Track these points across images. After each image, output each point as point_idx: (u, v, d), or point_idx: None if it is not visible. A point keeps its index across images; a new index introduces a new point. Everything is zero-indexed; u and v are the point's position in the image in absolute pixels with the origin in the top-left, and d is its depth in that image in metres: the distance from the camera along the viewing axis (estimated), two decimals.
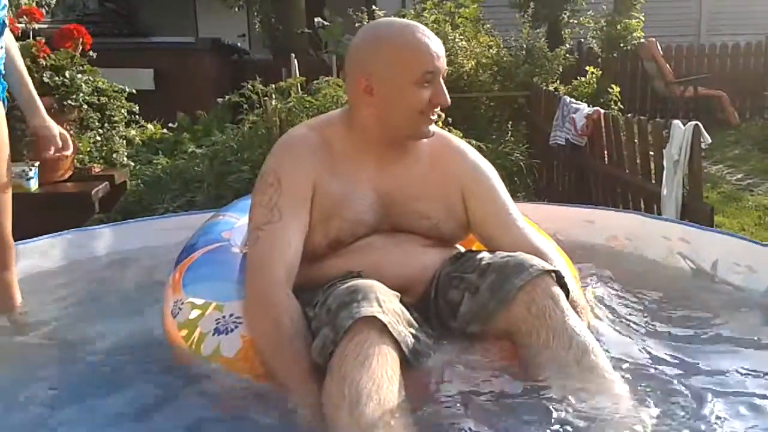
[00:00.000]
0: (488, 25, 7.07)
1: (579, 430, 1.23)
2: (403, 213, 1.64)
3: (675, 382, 1.43)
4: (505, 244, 1.62)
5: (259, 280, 1.48)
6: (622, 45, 8.73)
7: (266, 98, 4.54)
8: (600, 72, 6.60)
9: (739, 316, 1.83)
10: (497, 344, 1.47)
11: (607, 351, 1.45)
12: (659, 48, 8.44)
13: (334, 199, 1.58)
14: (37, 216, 2.69)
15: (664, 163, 3.53)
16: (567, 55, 6.86)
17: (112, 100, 4.30)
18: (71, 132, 3.91)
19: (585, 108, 4.64)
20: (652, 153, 3.78)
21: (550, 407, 1.30)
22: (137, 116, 4.63)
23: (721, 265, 2.10)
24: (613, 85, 6.20)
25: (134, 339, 1.78)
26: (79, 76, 4.00)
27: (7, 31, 1.94)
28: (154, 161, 5.22)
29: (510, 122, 6.19)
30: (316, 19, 8.44)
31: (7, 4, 1.94)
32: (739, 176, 6.16)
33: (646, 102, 8.83)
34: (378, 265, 1.53)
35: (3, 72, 1.96)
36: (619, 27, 8.71)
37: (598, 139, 4.45)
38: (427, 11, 6.65)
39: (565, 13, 9.16)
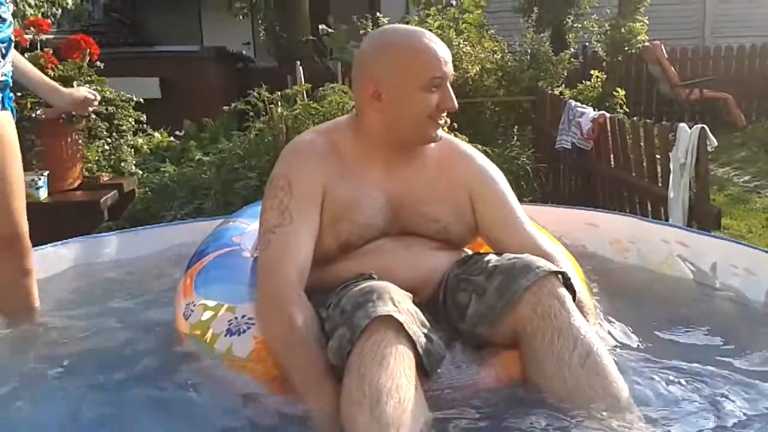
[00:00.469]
0: (492, 31, 7.09)
1: None
2: (412, 216, 1.65)
3: (679, 384, 1.44)
4: (512, 246, 1.62)
5: (272, 282, 1.49)
6: (626, 48, 8.73)
7: (272, 105, 4.57)
8: (605, 76, 6.59)
9: (741, 320, 1.83)
10: (503, 344, 1.48)
11: (611, 353, 1.45)
12: (664, 51, 8.43)
13: (344, 202, 1.59)
14: (46, 224, 2.70)
15: (671, 166, 3.53)
16: (571, 59, 6.87)
17: (120, 110, 4.32)
18: (80, 141, 3.94)
19: (591, 112, 4.64)
20: (658, 156, 3.78)
21: (553, 408, 1.31)
22: (145, 125, 4.65)
23: (720, 268, 2.10)
24: (618, 89, 6.20)
25: (143, 343, 1.79)
26: (87, 86, 4.02)
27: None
28: (162, 169, 5.24)
29: (515, 127, 6.20)
30: (320, 27, 8.48)
31: (12, 20, 1.98)
32: (746, 178, 6.14)
33: (652, 105, 8.81)
34: (388, 268, 1.54)
35: (11, 84, 2.00)
36: (623, 30, 8.71)
37: (605, 142, 4.45)
38: (431, 17, 6.67)
39: (569, 18, 9.17)
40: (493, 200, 1.70)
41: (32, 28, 3.93)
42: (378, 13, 6.86)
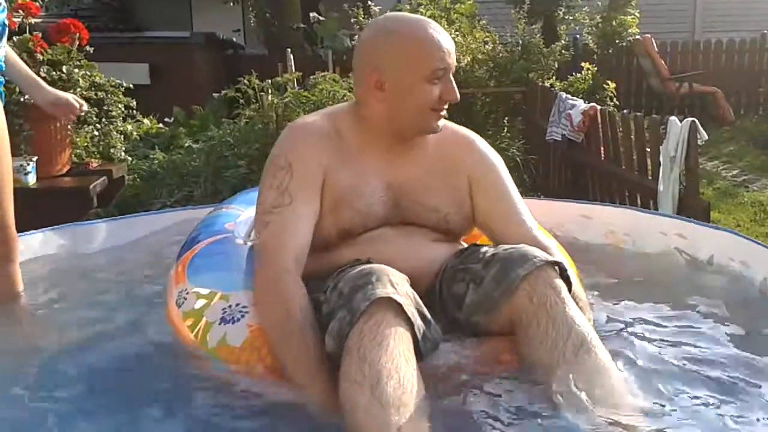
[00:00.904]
0: (484, 21, 7.07)
1: (574, 421, 1.24)
2: (413, 206, 1.64)
3: (673, 374, 1.45)
4: (510, 238, 1.62)
5: (270, 267, 1.48)
6: (617, 41, 8.76)
7: (262, 93, 4.55)
8: (595, 68, 6.61)
9: (737, 309, 1.84)
10: (499, 333, 1.48)
11: (605, 342, 1.46)
12: (654, 44, 8.46)
13: (344, 189, 1.58)
14: (35, 210, 2.68)
15: (661, 160, 3.54)
16: (562, 51, 6.87)
17: (109, 95, 4.29)
18: (69, 126, 3.91)
19: (581, 104, 4.65)
20: (648, 149, 3.79)
21: (546, 397, 1.31)
22: (134, 111, 4.62)
23: (717, 260, 2.11)
24: (608, 81, 6.22)
25: (130, 332, 1.77)
26: (76, 71, 3.99)
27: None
28: (151, 156, 5.21)
29: (506, 118, 6.20)
30: (311, 14, 8.44)
31: (6, 4, 1.95)
32: (735, 172, 6.19)
33: (641, 98, 8.85)
34: (387, 257, 1.53)
35: (3, 69, 1.97)
36: (614, 23, 8.74)
37: (595, 135, 4.46)
38: (422, 7, 6.64)
39: (561, 9, 9.19)
40: (493, 192, 1.70)
41: (21, 12, 3.89)
42: (369, 2, 6.82)
